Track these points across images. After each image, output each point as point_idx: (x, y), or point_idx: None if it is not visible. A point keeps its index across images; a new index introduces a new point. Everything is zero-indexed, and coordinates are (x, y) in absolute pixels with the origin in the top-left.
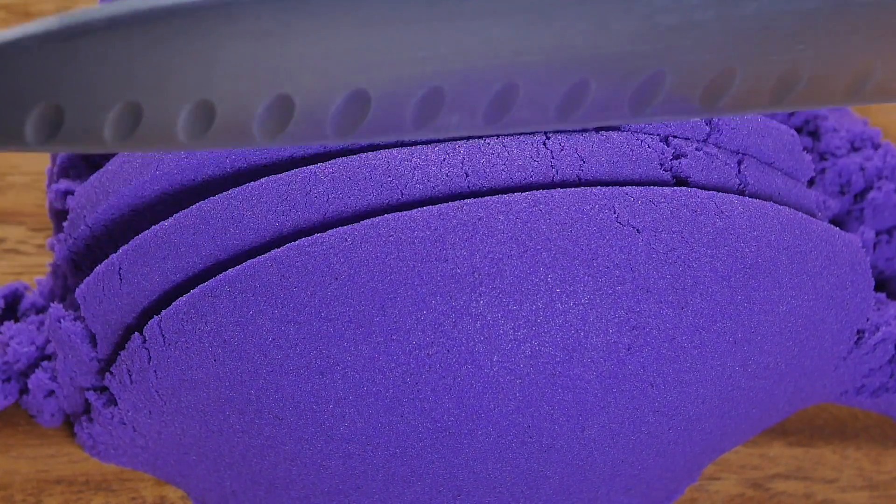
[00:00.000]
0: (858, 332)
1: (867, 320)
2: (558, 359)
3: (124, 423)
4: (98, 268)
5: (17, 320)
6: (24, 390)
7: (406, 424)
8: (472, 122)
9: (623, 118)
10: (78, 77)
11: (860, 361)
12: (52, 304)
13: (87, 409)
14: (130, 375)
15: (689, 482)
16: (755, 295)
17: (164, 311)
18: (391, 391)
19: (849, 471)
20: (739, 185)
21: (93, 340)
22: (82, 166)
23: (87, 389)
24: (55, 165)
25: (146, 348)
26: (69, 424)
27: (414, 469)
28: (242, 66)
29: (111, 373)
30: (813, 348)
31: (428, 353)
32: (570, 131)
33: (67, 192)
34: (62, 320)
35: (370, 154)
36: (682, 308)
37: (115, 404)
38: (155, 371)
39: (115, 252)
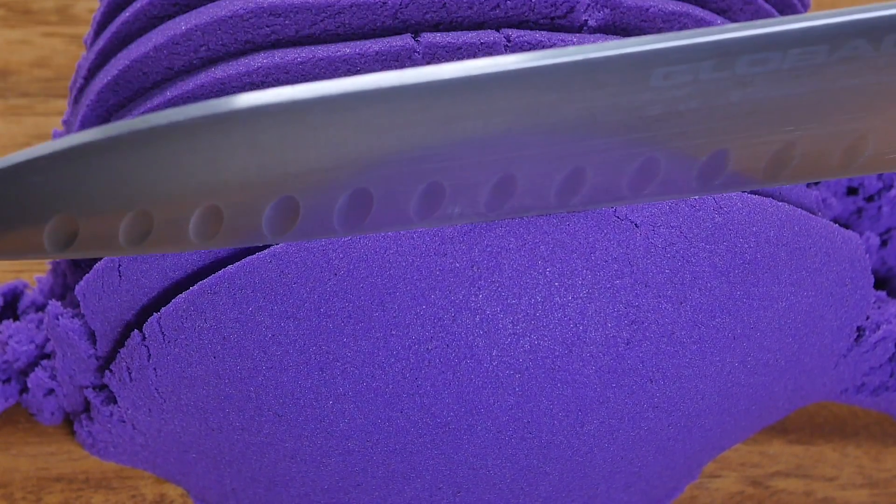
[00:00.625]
0: (858, 329)
1: (867, 318)
2: (557, 353)
3: (123, 421)
4: (97, 264)
5: (16, 318)
6: (24, 389)
7: (406, 420)
8: (475, 212)
9: (623, 199)
10: (89, 191)
11: (860, 359)
12: (49, 302)
13: (86, 407)
14: (130, 373)
15: (688, 480)
16: (754, 290)
17: (163, 309)
18: (391, 386)
19: (849, 469)
20: None
21: (91, 338)
22: None
23: (87, 387)
24: None
25: (146, 346)
26: (69, 422)
27: (414, 465)
28: (246, 173)
29: (110, 370)
30: (812, 345)
31: (427, 348)
32: None
33: None
34: (60, 317)
35: None
36: (681, 303)
37: (115, 402)
38: (154, 369)
39: None
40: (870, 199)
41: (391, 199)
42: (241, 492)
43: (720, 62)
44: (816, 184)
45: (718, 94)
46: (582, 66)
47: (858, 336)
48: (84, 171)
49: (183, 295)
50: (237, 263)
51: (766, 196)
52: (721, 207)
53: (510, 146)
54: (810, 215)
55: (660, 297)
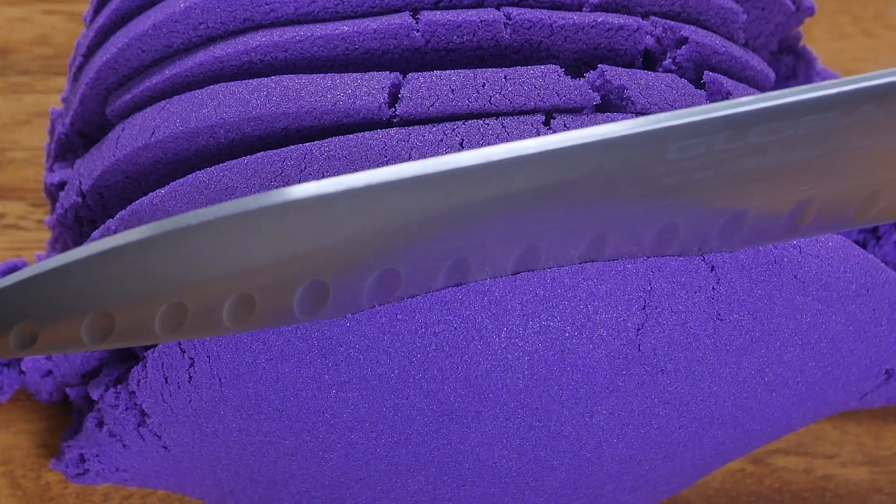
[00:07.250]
0: (887, 371)
1: None
2: (567, 335)
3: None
4: (94, 234)
5: None
6: (24, 371)
7: (411, 408)
8: (501, 274)
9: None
10: (124, 289)
11: (887, 393)
12: None
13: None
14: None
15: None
16: (777, 294)
17: None
18: (396, 372)
19: (849, 446)
20: None
21: None
22: (79, 144)
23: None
24: (53, 142)
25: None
26: (69, 399)
27: (418, 457)
28: (276, 263)
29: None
30: (837, 378)
31: (434, 331)
32: (571, 111)
33: (62, 183)
34: None
35: (367, 133)
36: (696, 291)
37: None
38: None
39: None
40: (874, 231)
41: (418, 276)
42: (240, 492)
43: (733, 134)
44: None
45: (733, 162)
46: (600, 146)
47: (887, 378)
48: (119, 271)
49: None
50: None
51: None
52: None
53: (535, 222)
54: (855, 245)
55: (673, 283)
